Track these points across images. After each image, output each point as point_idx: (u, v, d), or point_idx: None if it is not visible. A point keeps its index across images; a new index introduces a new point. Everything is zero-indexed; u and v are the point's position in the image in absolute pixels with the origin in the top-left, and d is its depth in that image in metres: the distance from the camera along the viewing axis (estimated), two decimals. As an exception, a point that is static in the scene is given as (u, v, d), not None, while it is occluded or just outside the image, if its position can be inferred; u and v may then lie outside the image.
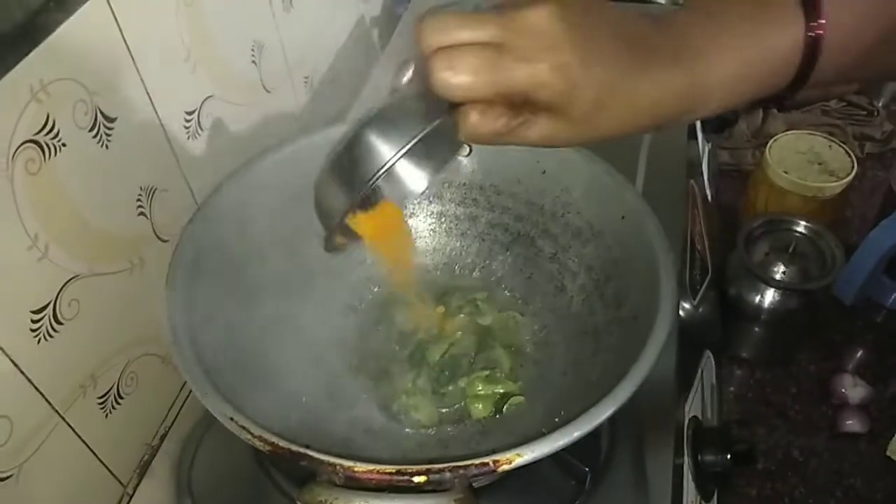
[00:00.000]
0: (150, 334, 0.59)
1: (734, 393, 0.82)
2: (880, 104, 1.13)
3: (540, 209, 0.60)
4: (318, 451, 0.38)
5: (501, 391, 0.53)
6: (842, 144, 0.89)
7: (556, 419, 0.49)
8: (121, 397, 0.58)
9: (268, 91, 0.75)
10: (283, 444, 0.39)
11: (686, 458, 0.57)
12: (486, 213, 0.63)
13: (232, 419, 0.39)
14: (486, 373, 0.54)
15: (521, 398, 0.53)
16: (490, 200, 0.62)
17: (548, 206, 0.59)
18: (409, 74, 0.48)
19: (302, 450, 0.38)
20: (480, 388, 0.53)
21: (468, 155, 0.61)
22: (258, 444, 0.39)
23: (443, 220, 0.64)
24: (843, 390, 0.82)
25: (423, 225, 0.64)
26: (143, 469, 0.60)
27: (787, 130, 1.01)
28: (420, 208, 0.64)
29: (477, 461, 0.38)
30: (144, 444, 0.61)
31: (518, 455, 0.38)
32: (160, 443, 0.62)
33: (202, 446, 0.59)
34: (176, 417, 0.64)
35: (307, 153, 0.57)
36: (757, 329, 0.82)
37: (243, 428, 0.39)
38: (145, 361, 0.60)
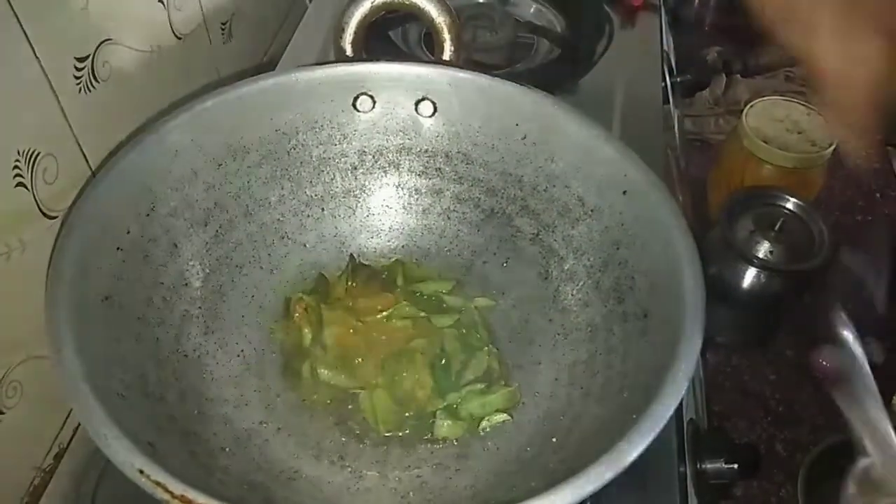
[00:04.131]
0: (35, 334, 0.48)
1: (709, 381, 0.76)
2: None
3: (518, 181, 0.51)
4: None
5: (499, 408, 0.44)
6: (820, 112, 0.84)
7: (554, 439, 0.41)
8: (0, 413, 0.48)
9: (178, 37, 0.65)
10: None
11: (687, 467, 0.50)
12: (453, 185, 0.53)
13: (141, 472, 0.29)
14: (480, 386, 0.45)
15: (505, 416, 0.44)
16: (458, 171, 0.52)
17: (528, 178, 0.50)
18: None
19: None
20: (477, 406, 0.44)
21: (432, 115, 0.52)
22: None
23: (400, 193, 0.54)
24: (824, 362, 0.76)
25: (375, 200, 0.54)
26: (34, 498, 0.51)
27: (751, 97, 0.95)
28: (372, 179, 0.53)
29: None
30: (34, 468, 0.52)
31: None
32: (55, 464, 0.52)
33: (110, 466, 0.48)
34: (75, 433, 0.54)
35: (226, 112, 0.48)
36: (735, 311, 0.76)
37: (158, 484, 0.28)
38: (31, 367, 0.50)
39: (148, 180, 0.45)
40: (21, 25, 0.45)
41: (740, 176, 0.82)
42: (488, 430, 0.44)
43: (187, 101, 0.47)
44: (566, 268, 0.48)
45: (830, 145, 0.79)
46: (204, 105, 0.46)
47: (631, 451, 0.31)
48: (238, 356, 0.46)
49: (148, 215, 0.44)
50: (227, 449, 0.40)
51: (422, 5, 0.48)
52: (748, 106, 0.83)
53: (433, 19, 0.49)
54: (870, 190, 0.97)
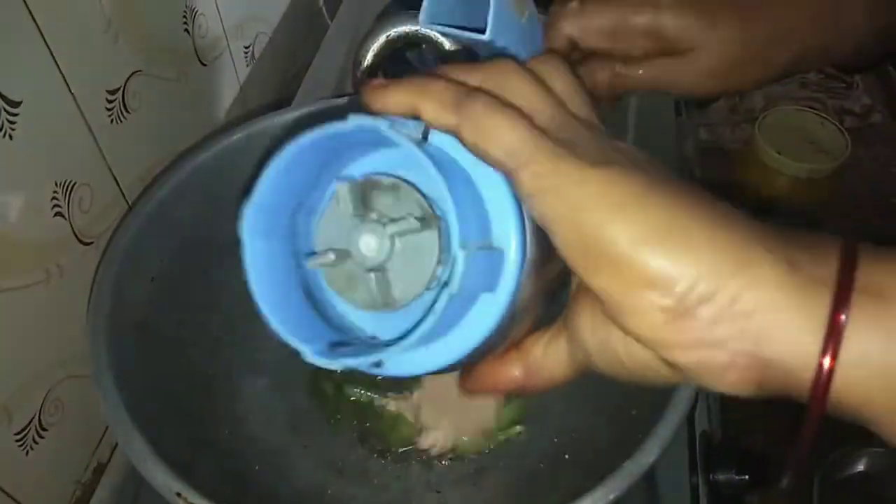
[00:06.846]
0: (74, 353, 0.51)
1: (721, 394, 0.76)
2: (857, 76, 1.08)
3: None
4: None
5: (512, 419, 0.46)
6: (834, 122, 0.85)
7: (567, 455, 0.43)
8: (43, 429, 0.50)
9: (204, 64, 0.66)
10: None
11: (700, 479, 0.51)
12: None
13: (179, 495, 0.31)
14: (493, 401, 0.47)
15: (519, 428, 0.46)
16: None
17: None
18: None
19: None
20: (492, 419, 0.46)
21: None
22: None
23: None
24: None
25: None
26: (77, 510, 0.52)
27: (765, 105, 0.96)
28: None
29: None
30: (74, 482, 0.54)
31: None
32: (94, 479, 0.54)
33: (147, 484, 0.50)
34: (113, 449, 0.55)
35: (252, 144, 0.50)
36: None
37: (193, 507, 0.31)
38: (71, 385, 0.52)
39: (178, 213, 0.46)
40: (56, 62, 0.47)
41: (756, 187, 0.83)
42: (504, 442, 0.46)
43: (215, 135, 0.49)
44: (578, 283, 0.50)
45: (843, 154, 0.80)
46: (231, 138, 0.48)
47: (637, 470, 0.33)
48: (265, 376, 0.48)
49: (179, 246, 0.46)
50: (257, 467, 0.42)
51: (435, 38, 0.50)
52: (761, 116, 0.84)
53: (447, 51, 0.51)
54: (884, 195, 0.97)
